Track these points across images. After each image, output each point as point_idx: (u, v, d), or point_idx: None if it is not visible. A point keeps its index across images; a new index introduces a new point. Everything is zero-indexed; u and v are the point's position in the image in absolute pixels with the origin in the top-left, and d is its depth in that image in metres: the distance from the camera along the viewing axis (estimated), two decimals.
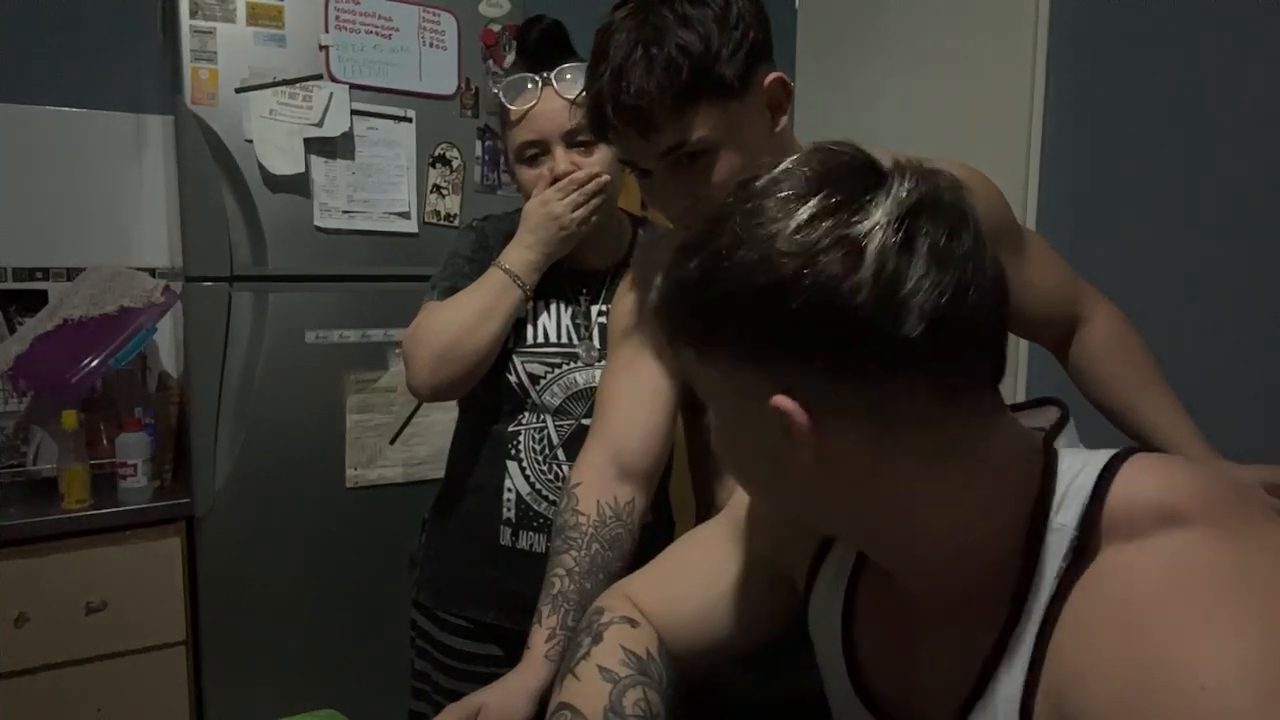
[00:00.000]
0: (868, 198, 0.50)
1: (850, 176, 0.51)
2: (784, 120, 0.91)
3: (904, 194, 0.50)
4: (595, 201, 1.16)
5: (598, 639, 0.73)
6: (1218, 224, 1.58)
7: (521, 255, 1.17)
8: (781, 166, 0.53)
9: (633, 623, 0.74)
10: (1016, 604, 0.54)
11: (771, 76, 0.88)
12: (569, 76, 1.16)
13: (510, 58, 1.87)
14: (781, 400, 0.51)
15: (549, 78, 1.16)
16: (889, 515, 0.55)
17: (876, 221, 0.48)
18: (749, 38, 0.84)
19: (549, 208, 1.15)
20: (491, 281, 1.17)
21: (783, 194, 0.51)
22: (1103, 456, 0.54)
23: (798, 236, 0.49)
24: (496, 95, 1.21)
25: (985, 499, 0.55)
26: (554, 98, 1.16)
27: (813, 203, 0.50)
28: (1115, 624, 0.47)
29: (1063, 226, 1.82)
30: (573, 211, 1.15)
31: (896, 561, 0.60)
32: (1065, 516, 0.53)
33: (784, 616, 0.60)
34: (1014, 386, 1.93)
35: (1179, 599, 0.46)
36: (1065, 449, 0.57)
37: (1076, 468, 0.55)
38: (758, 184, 0.53)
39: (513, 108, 1.18)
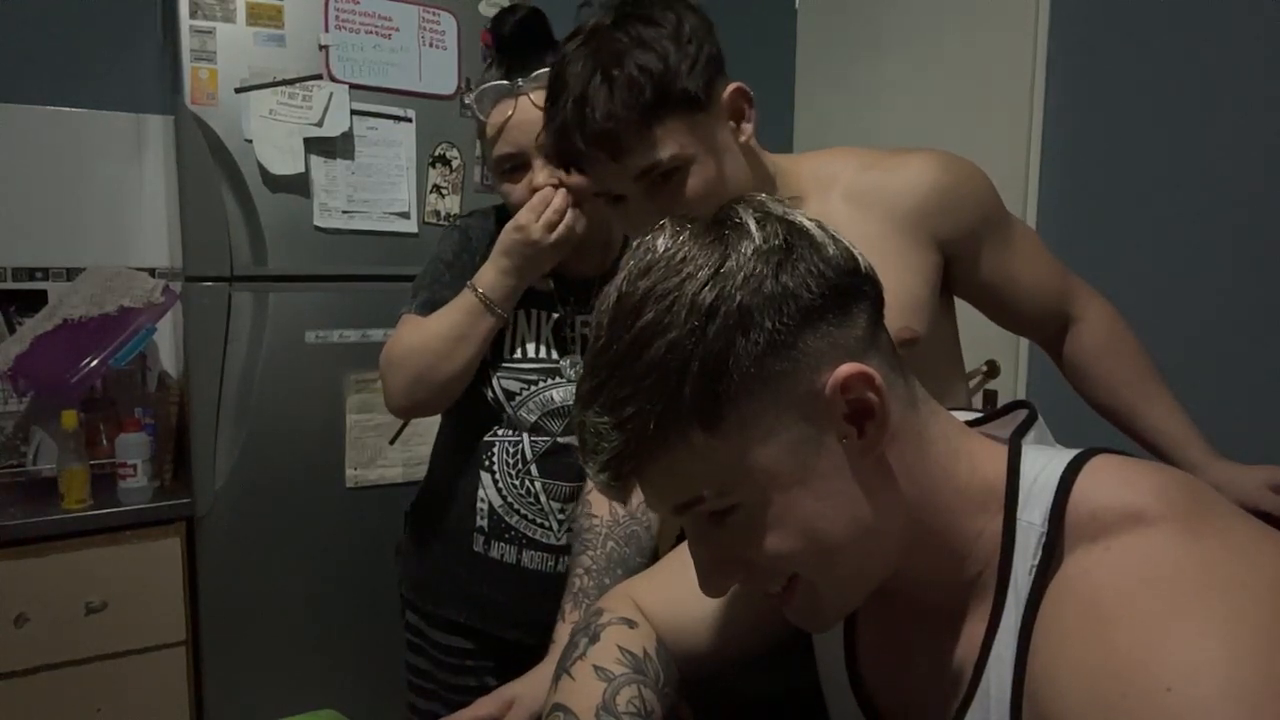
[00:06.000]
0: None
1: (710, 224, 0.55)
2: (749, 129, 0.91)
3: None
4: (570, 218, 1.10)
5: (595, 639, 0.73)
6: (1217, 222, 1.58)
7: (496, 279, 1.12)
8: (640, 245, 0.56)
9: (631, 623, 0.74)
10: (996, 602, 0.54)
11: (731, 87, 0.89)
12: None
13: None
14: (848, 367, 0.52)
15: (523, 86, 1.10)
16: (923, 505, 0.56)
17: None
18: (704, 51, 0.85)
19: (524, 233, 1.10)
20: (466, 305, 1.12)
21: (672, 249, 0.53)
22: (1066, 455, 0.55)
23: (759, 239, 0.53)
24: (470, 106, 1.16)
25: (957, 484, 0.56)
26: (530, 107, 1.09)
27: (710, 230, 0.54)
28: (1084, 627, 0.48)
29: (1063, 225, 1.82)
30: (548, 233, 1.09)
31: (898, 566, 0.60)
32: (1032, 514, 0.54)
33: (787, 621, 0.60)
34: (1014, 386, 1.93)
35: (1144, 601, 0.46)
36: (1029, 445, 0.58)
37: (1040, 465, 0.55)
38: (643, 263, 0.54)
39: (486, 120, 1.13)
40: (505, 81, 1.12)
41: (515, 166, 1.13)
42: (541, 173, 1.11)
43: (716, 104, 0.87)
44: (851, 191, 0.92)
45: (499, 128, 1.12)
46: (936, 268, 0.94)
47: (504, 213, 1.19)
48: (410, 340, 1.14)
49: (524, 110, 1.10)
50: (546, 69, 1.09)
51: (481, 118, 1.14)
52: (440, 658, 1.27)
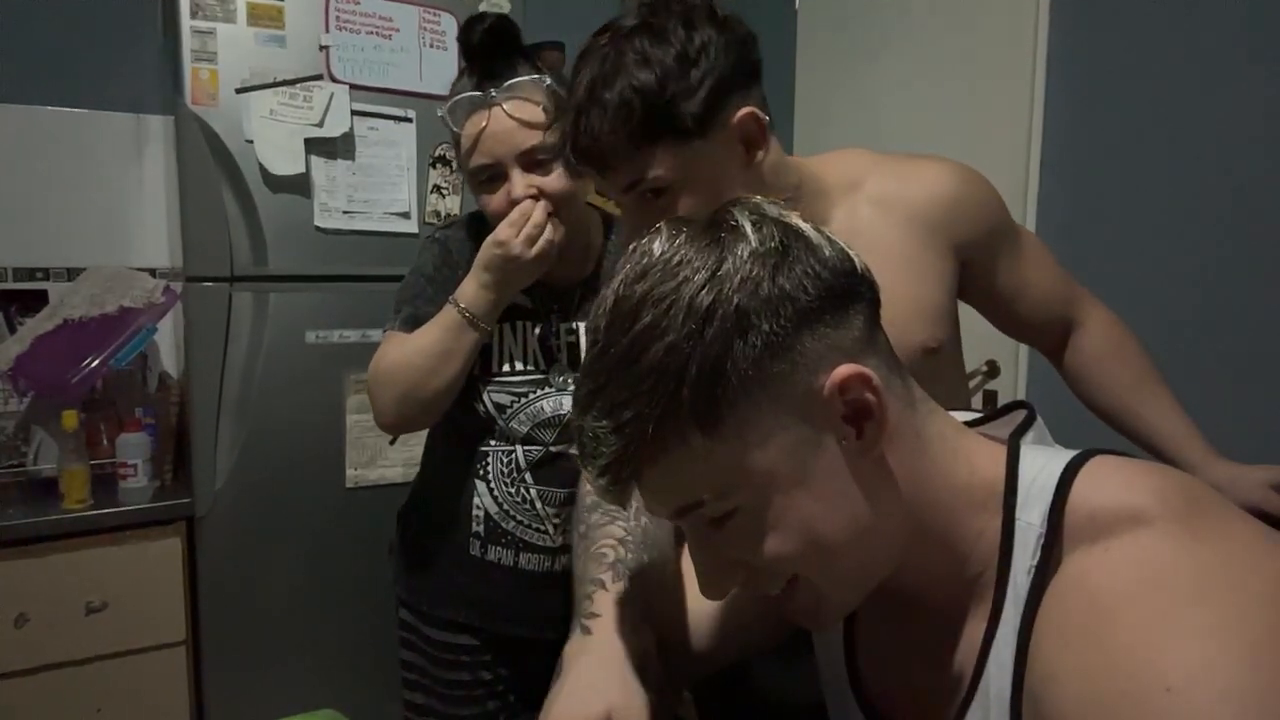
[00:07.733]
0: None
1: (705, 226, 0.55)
2: (760, 155, 0.86)
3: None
4: (550, 231, 1.09)
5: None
6: (1217, 223, 1.58)
7: (479, 294, 1.11)
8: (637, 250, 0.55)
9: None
10: (996, 602, 0.54)
11: (742, 112, 0.83)
12: (522, 94, 1.08)
13: None
14: (846, 367, 0.52)
15: (495, 97, 1.08)
16: (922, 505, 0.56)
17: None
18: (713, 74, 0.80)
19: (505, 248, 1.08)
20: (449, 321, 1.11)
21: (671, 251, 0.53)
22: (1064, 456, 0.55)
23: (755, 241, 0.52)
24: (442, 118, 1.13)
25: (956, 484, 0.56)
26: (504, 118, 1.08)
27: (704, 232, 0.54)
28: (1084, 627, 0.48)
29: (1063, 227, 1.82)
30: (528, 247, 1.08)
31: (898, 565, 0.60)
32: (1031, 514, 0.54)
33: (787, 621, 0.60)
34: (1014, 386, 1.93)
35: (1144, 601, 0.46)
36: (1028, 446, 0.58)
37: (1038, 466, 0.55)
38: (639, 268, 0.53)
39: (461, 132, 1.11)
40: (478, 93, 1.10)
41: (492, 177, 1.12)
42: (519, 184, 1.09)
43: (719, 130, 0.83)
44: (875, 196, 0.93)
45: (473, 139, 1.10)
46: (955, 275, 0.95)
47: (481, 222, 1.17)
48: (395, 357, 1.14)
49: (497, 121, 1.09)
50: (519, 79, 1.08)
51: (455, 129, 1.13)
52: (434, 653, 1.28)
